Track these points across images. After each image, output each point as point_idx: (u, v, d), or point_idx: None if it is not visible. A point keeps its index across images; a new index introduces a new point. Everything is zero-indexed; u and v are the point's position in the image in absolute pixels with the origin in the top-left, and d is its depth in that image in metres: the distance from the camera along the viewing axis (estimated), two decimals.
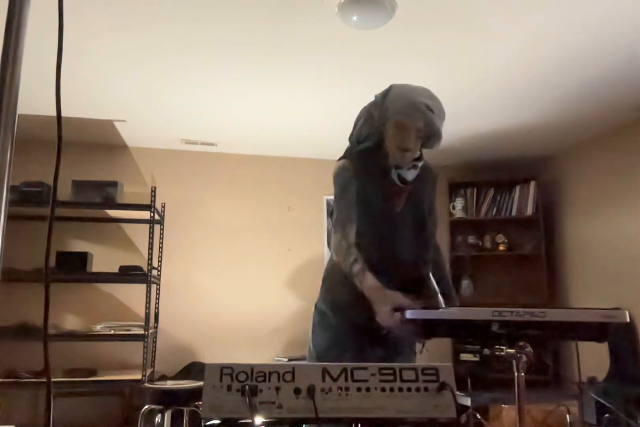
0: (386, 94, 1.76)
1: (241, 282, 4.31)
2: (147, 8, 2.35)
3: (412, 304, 1.49)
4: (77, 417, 3.73)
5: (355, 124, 1.85)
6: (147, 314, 3.66)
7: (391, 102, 1.71)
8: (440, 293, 1.83)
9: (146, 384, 2.82)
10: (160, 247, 4.17)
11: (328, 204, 4.63)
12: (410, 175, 1.77)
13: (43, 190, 3.59)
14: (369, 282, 1.55)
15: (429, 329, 1.52)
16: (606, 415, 3.14)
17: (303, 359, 3.96)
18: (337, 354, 1.67)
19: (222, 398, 0.94)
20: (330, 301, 1.79)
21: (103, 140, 4.20)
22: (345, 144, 1.82)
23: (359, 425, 0.96)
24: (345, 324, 1.72)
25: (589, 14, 2.38)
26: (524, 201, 4.44)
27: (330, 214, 1.89)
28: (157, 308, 4.04)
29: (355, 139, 1.83)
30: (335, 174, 1.76)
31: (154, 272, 3.84)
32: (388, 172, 1.76)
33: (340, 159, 1.83)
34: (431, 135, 1.72)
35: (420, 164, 1.79)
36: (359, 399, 0.96)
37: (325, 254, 4.54)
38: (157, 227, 4.12)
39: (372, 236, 1.72)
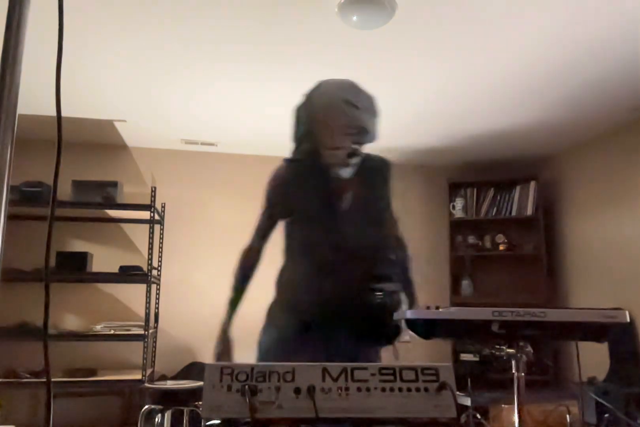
0: (312, 91, 1.71)
1: None
2: (146, 8, 2.35)
3: (226, 356, 1.75)
4: (77, 417, 3.73)
5: (292, 125, 1.80)
6: (147, 314, 3.65)
7: (315, 100, 1.67)
8: (403, 291, 1.75)
9: (146, 384, 2.82)
10: (160, 247, 4.17)
11: None
12: (345, 173, 1.71)
13: (43, 190, 3.59)
14: (223, 320, 1.83)
15: (429, 329, 1.52)
16: (606, 415, 3.13)
17: None
18: (281, 355, 1.65)
19: (222, 398, 0.94)
20: (282, 303, 1.79)
21: (103, 140, 4.20)
22: None
23: (359, 425, 0.96)
24: (294, 325, 1.70)
25: (588, 14, 2.38)
26: (524, 201, 4.44)
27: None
28: (157, 308, 4.04)
29: (293, 140, 1.78)
30: (267, 182, 1.78)
31: (154, 272, 3.84)
32: (327, 171, 1.72)
33: (284, 160, 1.80)
34: (359, 131, 1.64)
35: (354, 161, 1.71)
36: (359, 399, 0.96)
37: None
38: (157, 227, 4.12)
39: (316, 237, 1.70)
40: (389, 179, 1.85)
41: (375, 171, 1.82)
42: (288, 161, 1.77)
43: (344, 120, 1.62)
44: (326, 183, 1.72)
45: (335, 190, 1.73)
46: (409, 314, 1.56)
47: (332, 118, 1.63)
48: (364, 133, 1.66)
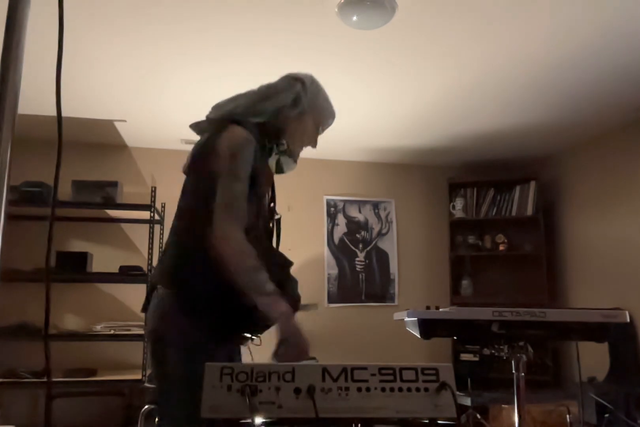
0: (311, 83, 1.69)
1: None
2: (146, 8, 2.35)
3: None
4: (77, 417, 3.73)
5: (268, 94, 1.62)
6: None
7: (317, 97, 1.67)
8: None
9: (146, 384, 2.82)
10: (161, 247, 4.17)
11: (328, 204, 4.63)
12: (291, 166, 1.70)
13: (43, 190, 3.59)
14: (284, 309, 1.36)
15: (429, 329, 1.53)
16: (606, 415, 3.14)
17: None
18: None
19: (222, 398, 0.94)
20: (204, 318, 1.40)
21: (103, 140, 4.20)
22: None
23: (359, 425, 0.96)
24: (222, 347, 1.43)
25: (589, 14, 2.38)
26: (524, 201, 4.44)
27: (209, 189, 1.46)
28: None
29: (260, 108, 1.60)
30: (240, 144, 1.47)
31: None
32: (268, 155, 1.61)
33: (231, 122, 1.54)
34: (317, 137, 1.76)
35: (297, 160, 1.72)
36: (359, 399, 0.96)
37: (326, 254, 4.54)
38: (157, 227, 4.12)
39: (258, 225, 1.55)
40: None
41: None
42: (248, 129, 1.52)
43: (327, 124, 1.71)
44: (267, 168, 1.62)
45: (268, 177, 1.63)
46: (410, 315, 1.56)
47: (324, 118, 1.68)
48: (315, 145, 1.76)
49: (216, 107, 1.67)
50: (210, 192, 1.43)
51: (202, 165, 1.49)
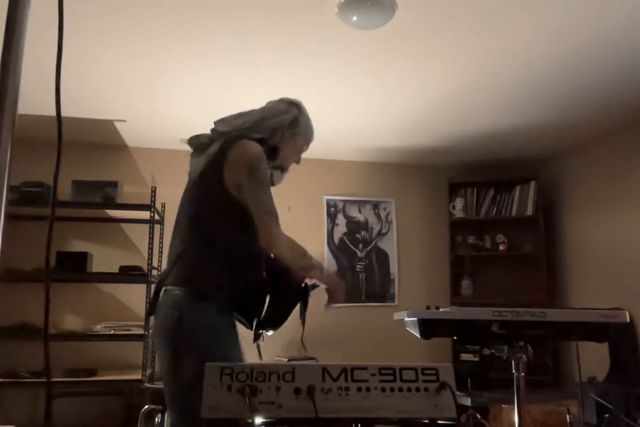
0: (304, 109, 1.89)
1: None
2: (146, 8, 2.35)
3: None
4: (77, 417, 3.73)
5: (269, 115, 1.79)
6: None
7: (308, 121, 1.89)
8: None
9: (146, 384, 2.82)
10: (161, 247, 4.17)
11: (328, 204, 4.63)
12: (280, 180, 1.90)
13: (43, 190, 3.59)
14: (330, 270, 1.67)
15: (429, 329, 1.52)
16: (606, 415, 3.14)
17: (303, 359, 3.96)
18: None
19: (222, 398, 0.94)
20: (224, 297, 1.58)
21: (103, 140, 4.20)
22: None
23: (359, 425, 0.96)
24: (230, 321, 1.64)
25: (588, 14, 2.38)
26: (524, 201, 4.44)
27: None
28: None
29: (262, 126, 1.75)
30: (259, 156, 1.61)
31: (154, 272, 3.84)
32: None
33: (241, 136, 1.68)
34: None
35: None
36: (359, 399, 0.96)
37: (326, 254, 4.54)
38: (157, 227, 4.12)
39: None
40: None
41: None
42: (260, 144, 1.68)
43: (310, 144, 1.93)
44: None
45: None
46: (410, 315, 1.56)
47: (310, 139, 1.91)
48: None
49: (222, 122, 1.78)
50: (227, 200, 1.60)
51: (216, 174, 1.61)
